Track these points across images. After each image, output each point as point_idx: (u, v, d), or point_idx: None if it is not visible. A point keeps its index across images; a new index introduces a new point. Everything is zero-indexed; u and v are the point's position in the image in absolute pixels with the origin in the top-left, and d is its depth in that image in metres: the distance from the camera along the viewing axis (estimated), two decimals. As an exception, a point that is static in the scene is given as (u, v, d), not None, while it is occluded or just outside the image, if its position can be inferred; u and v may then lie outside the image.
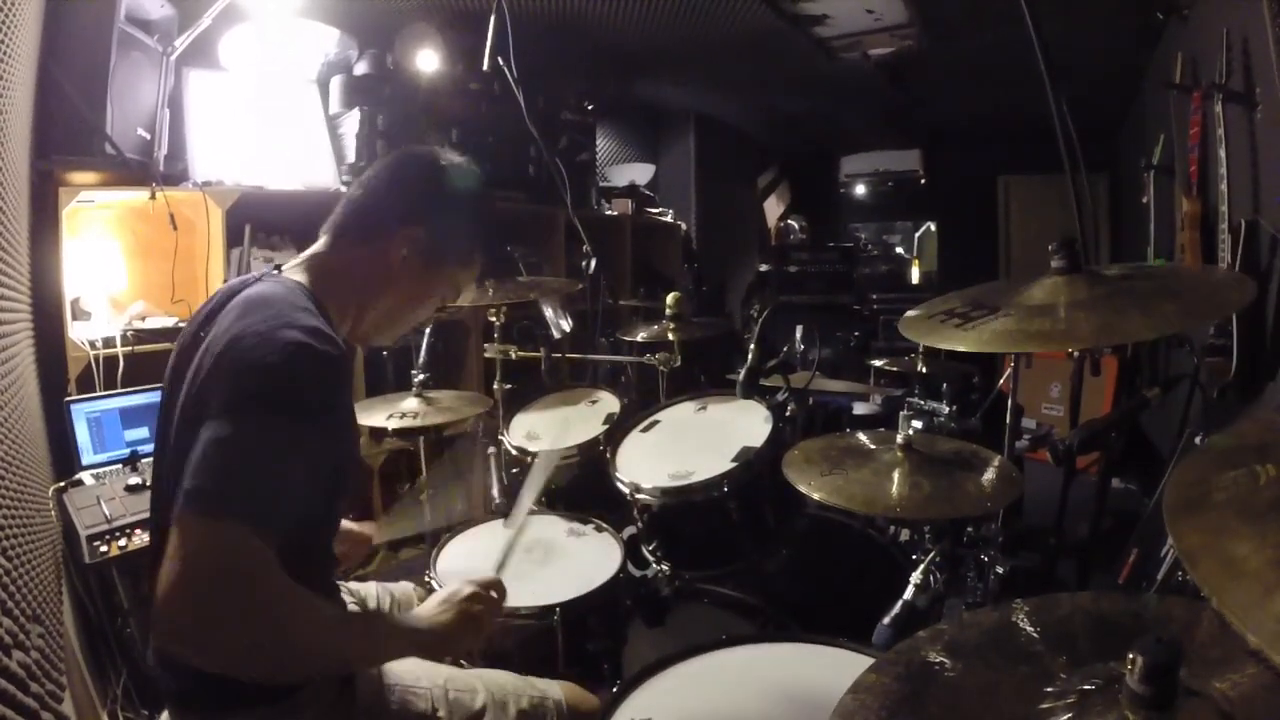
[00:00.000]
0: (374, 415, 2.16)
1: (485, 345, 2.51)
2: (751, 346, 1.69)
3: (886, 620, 1.29)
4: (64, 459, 2.06)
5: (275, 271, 1.10)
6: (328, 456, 0.99)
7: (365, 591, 1.47)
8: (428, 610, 1.08)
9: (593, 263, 2.58)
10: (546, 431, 2.15)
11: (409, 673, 1.21)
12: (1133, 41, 3.73)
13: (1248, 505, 0.55)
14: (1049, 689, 0.66)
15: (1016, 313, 1.20)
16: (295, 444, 0.91)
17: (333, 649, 0.94)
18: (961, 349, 1.20)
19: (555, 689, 1.31)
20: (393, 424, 2.12)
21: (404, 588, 1.56)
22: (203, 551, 0.83)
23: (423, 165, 1.16)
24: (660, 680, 1.16)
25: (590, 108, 4.04)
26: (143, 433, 2.18)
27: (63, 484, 1.96)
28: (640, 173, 4.80)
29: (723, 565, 1.74)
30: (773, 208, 6.76)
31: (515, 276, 2.51)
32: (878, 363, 2.74)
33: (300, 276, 1.08)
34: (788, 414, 1.84)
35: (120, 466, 2.09)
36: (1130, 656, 0.58)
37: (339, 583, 1.34)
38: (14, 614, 1.12)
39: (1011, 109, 4.33)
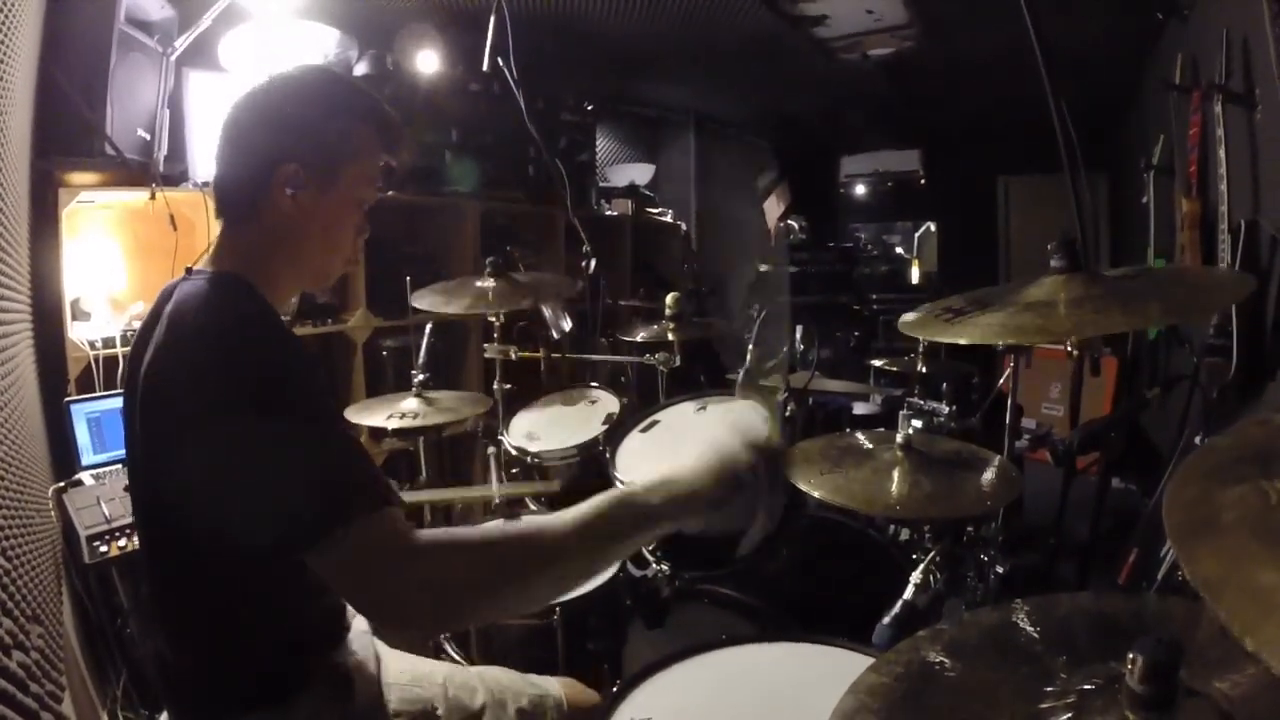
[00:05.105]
0: (374, 415, 2.16)
1: (485, 345, 2.51)
2: (750, 347, 1.69)
3: (886, 620, 1.28)
4: (64, 459, 2.06)
5: (187, 274, 1.04)
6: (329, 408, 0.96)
7: None
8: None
9: (592, 263, 2.58)
10: (546, 431, 2.15)
11: (407, 672, 1.21)
12: (1133, 41, 3.73)
13: (1264, 527, 0.50)
14: (1049, 689, 0.66)
15: (1014, 309, 1.20)
16: (308, 413, 0.88)
17: (569, 556, 0.89)
18: (961, 341, 1.20)
19: (555, 686, 1.32)
20: (392, 424, 2.12)
21: None
22: (369, 564, 0.81)
23: (251, 107, 1.07)
24: (660, 680, 1.15)
25: (590, 108, 4.04)
26: (143, 433, 2.18)
27: (62, 484, 1.95)
28: (640, 173, 4.80)
29: (722, 565, 1.74)
30: (773, 208, 6.75)
31: (515, 276, 2.51)
32: (877, 363, 2.74)
33: (212, 267, 1.03)
34: (787, 414, 1.84)
35: (120, 467, 2.08)
36: (1130, 656, 0.58)
37: None
38: (14, 614, 1.12)
39: (1011, 109, 4.32)
